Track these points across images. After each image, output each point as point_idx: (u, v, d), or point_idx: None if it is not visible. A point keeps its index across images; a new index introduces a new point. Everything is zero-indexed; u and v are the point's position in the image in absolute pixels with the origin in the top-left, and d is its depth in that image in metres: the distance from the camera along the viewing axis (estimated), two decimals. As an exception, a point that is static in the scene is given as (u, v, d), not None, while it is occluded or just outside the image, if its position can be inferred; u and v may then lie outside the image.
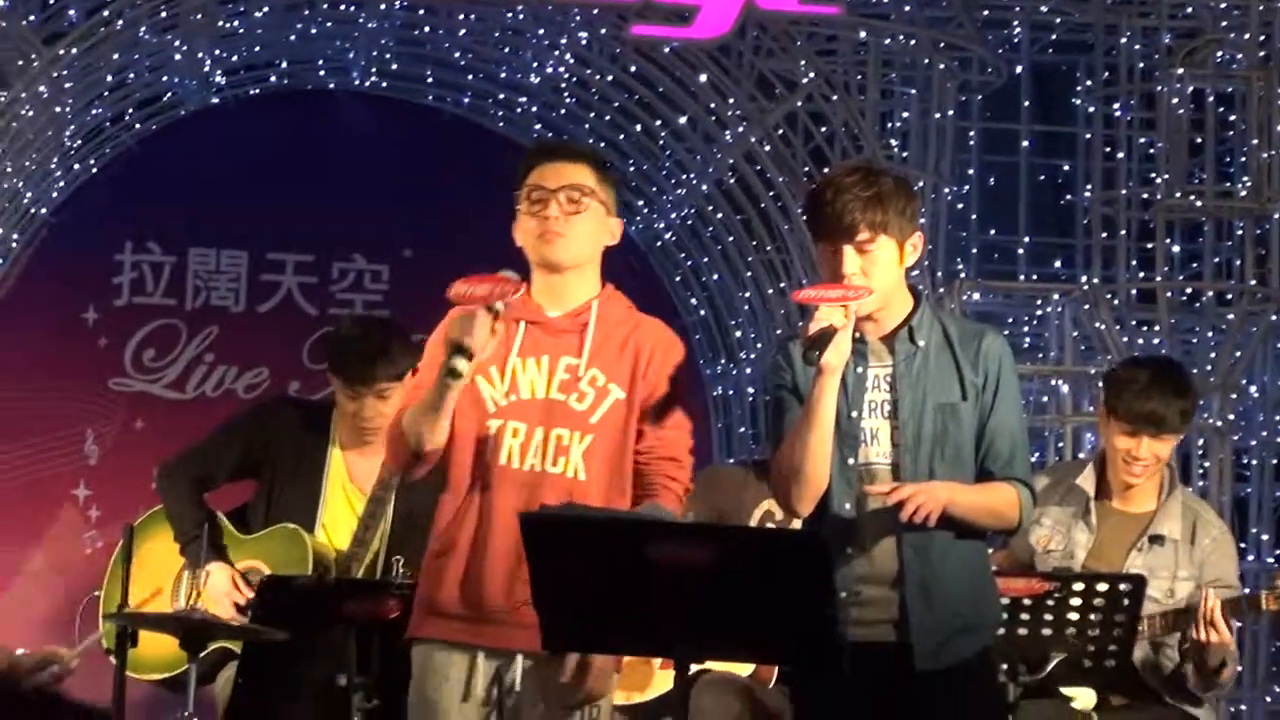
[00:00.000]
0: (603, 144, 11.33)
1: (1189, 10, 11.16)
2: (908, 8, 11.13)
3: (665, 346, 6.45)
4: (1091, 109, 11.50)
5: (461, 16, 11.00)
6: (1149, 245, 11.08)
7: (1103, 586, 7.81)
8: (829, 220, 6.37)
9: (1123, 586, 7.78)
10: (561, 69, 11.25)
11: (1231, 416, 10.85)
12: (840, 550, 6.41)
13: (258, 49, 11.32)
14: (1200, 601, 8.08)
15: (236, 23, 10.93)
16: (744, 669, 8.24)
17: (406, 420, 6.24)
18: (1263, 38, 10.99)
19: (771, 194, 10.91)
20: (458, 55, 11.45)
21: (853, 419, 6.43)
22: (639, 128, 11.28)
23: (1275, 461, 11.28)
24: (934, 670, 6.47)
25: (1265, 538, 11.04)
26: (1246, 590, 8.52)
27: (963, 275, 11.08)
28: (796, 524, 7.97)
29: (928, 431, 6.40)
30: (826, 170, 6.79)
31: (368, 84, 11.62)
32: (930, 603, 6.46)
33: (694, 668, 6.35)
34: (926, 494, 6.25)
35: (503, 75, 11.49)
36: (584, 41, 11.03)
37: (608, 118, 11.36)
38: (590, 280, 6.45)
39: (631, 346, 6.43)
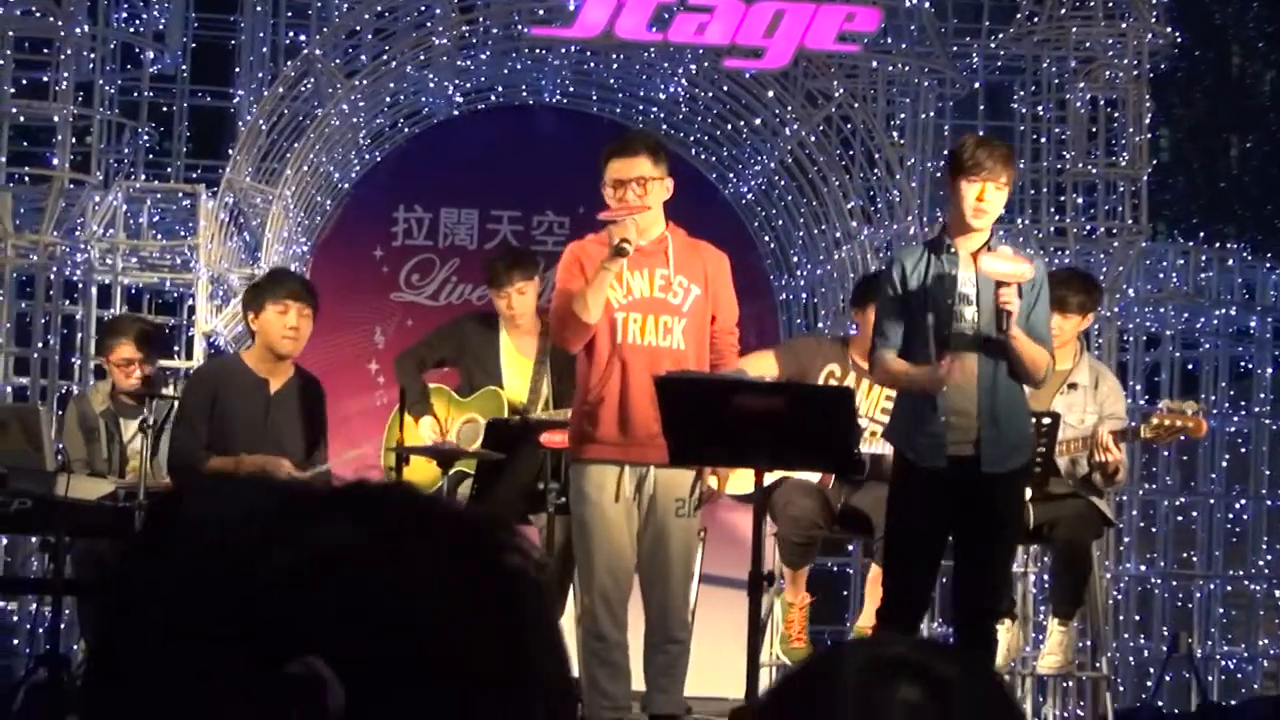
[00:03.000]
0: (706, 138, 11.39)
1: (1087, 44, 11.15)
2: (904, 45, 11.18)
3: (719, 260, 6.81)
4: (1024, 110, 11.51)
5: (614, 55, 11.05)
6: (1061, 198, 11.13)
7: (1032, 420, 7.93)
8: (982, 165, 6.60)
9: (1045, 420, 7.91)
10: (679, 89, 11.29)
11: (1116, 309, 10.89)
12: (941, 390, 6.64)
13: (482, 79, 11.37)
14: (1095, 434, 8.21)
15: (469, 62, 11.03)
16: (813, 476, 8.31)
17: (576, 303, 6.51)
18: (1135, 62, 10.99)
19: (815, 168, 10.96)
20: (611, 80, 11.48)
21: (950, 304, 6.69)
22: (729, 126, 11.30)
23: (1144, 338, 11.36)
24: (996, 473, 6.66)
25: (1138, 388, 11.14)
26: (1130, 423, 8.63)
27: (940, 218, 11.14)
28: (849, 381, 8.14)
29: (995, 313, 6.68)
30: (962, 138, 7.07)
31: (554, 100, 11.60)
32: (997, 428, 6.65)
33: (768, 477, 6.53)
34: (1017, 307, 6.57)
35: (640, 93, 11.51)
36: (693, 70, 11.07)
37: (709, 120, 11.38)
38: (660, 219, 6.72)
39: (700, 261, 6.70)
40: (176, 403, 8.28)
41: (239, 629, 1.23)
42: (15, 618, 10.10)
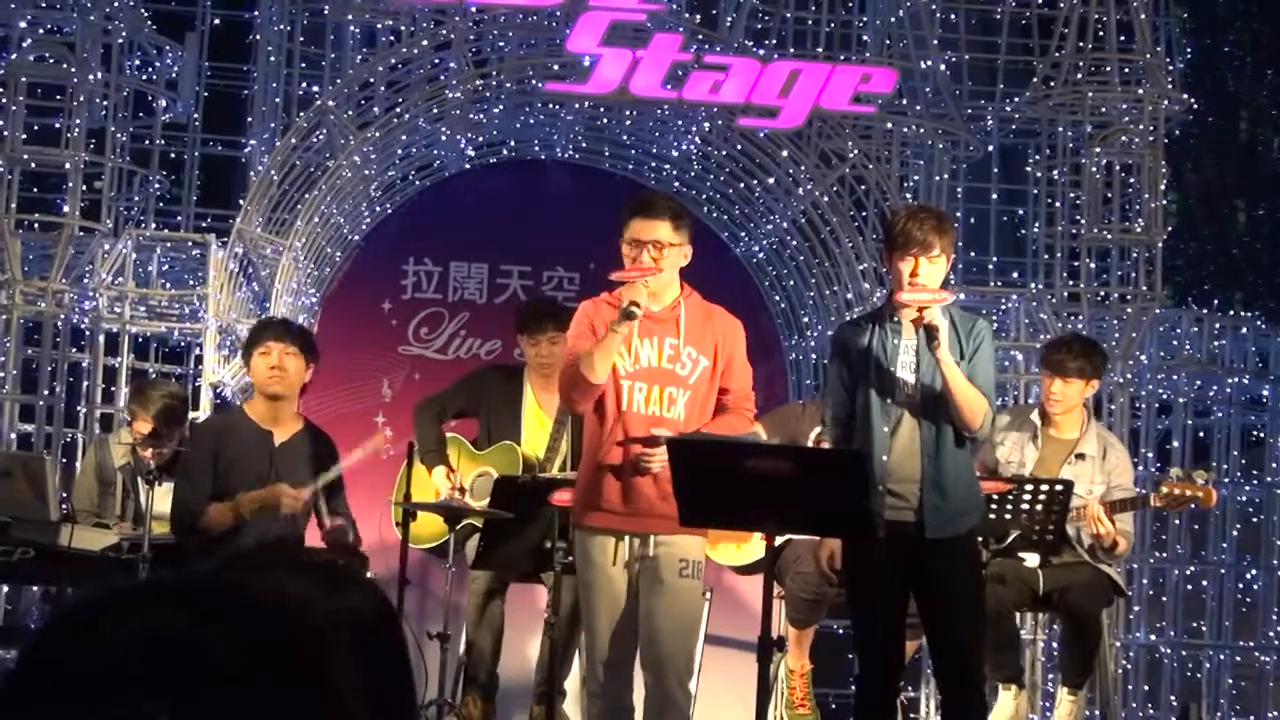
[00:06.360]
0: (718, 196, 11.36)
1: (1104, 109, 11.15)
2: (918, 107, 11.18)
3: (732, 328, 6.69)
4: (1039, 174, 11.51)
5: (628, 112, 11.02)
6: (1075, 263, 11.11)
7: (1045, 487, 7.91)
8: (913, 239, 6.47)
9: (1058, 487, 7.90)
10: (692, 146, 11.27)
11: (1129, 375, 10.85)
12: (879, 458, 6.52)
13: (495, 132, 11.36)
14: (1086, 508, 8.18)
15: (482, 115, 11.01)
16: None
17: (583, 362, 6.42)
18: (1152, 128, 10.99)
19: (828, 228, 10.93)
20: (625, 137, 11.46)
21: (892, 372, 6.58)
22: (742, 185, 11.28)
23: (1157, 405, 11.29)
24: (939, 539, 6.55)
25: (1150, 455, 11.08)
26: (1140, 491, 8.58)
27: (952, 282, 11.07)
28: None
29: (938, 381, 6.52)
30: (895, 210, 6.66)
31: (566, 155, 11.59)
32: (941, 494, 6.54)
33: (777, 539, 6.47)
34: (941, 322, 6.42)
35: (653, 150, 11.49)
36: (707, 128, 11.05)
37: (721, 179, 11.36)
38: (675, 286, 6.63)
39: (711, 330, 6.60)
40: (181, 455, 8.16)
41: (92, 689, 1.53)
42: (14, 667, 10.03)
